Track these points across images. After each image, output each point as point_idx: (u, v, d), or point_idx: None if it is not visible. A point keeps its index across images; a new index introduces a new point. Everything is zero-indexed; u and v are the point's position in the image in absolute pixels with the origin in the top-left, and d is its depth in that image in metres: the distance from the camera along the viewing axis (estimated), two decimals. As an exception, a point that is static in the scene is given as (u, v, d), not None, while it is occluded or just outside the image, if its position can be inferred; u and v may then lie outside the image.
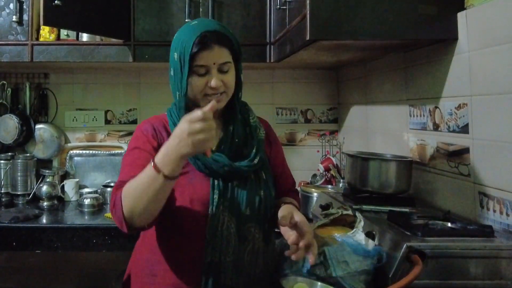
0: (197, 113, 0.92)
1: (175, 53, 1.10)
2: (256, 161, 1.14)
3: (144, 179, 0.97)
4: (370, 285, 1.06)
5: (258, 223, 1.13)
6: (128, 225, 1.01)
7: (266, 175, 1.18)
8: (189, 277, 1.10)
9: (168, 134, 1.14)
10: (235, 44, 1.13)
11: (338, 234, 1.16)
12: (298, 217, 1.07)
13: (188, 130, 0.91)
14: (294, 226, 1.06)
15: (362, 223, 1.19)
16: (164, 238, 1.15)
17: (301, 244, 1.03)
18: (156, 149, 1.06)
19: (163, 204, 1.01)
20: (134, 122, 2.52)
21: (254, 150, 1.15)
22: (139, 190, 0.98)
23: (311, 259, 1.03)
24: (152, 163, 0.96)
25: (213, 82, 1.08)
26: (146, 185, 0.96)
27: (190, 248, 1.11)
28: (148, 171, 0.97)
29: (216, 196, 1.09)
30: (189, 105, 1.12)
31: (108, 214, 2.00)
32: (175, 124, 1.12)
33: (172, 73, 1.13)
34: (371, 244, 1.11)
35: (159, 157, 0.96)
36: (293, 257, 1.03)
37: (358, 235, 1.14)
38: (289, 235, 1.05)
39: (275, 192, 1.20)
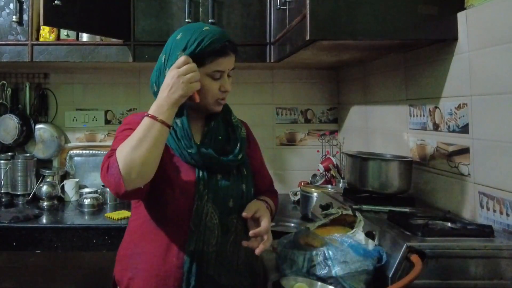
0: (180, 58, 1.06)
1: (193, 46, 1.12)
2: (240, 156, 1.20)
3: (140, 130, 1.02)
4: (370, 285, 1.06)
5: (240, 216, 1.16)
6: (125, 183, 1.00)
7: (247, 171, 1.23)
8: (173, 267, 1.13)
9: None
10: (237, 52, 1.22)
11: (338, 234, 1.16)
12: (261, 211, 1.15)
13: (178, 73, 1.03)
14: (256, 220, 1.14)
15: (362, 223, 1.19)
16: (148, 229, 1.18)
17: (251, 233, 1.11)
18: None
19: (159, 161, 1.05)
20: (134, 122, 2.52)
21: (238, 147, 1.21)
22: (136, 140, 1.01)
23: (258, 249, 1.09)
24: (146, 115, 1.03)
25: (228, 86, 1.17)
26: (143, 134, 1.02)
27: (175, 238, 1.14)
28: (144, 122, 1.03)
29: (201, 187, 1.13)
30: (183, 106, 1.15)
31: (109, 214, 2.00)
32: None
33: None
34: (371, 244, 1.11)
35: (153, 109, 1.04)
36: (256, 251, 1.10)
37: (358, 235, 1.14)
38: (252, 228, 1.14)
39: (254, 190, 1.25)
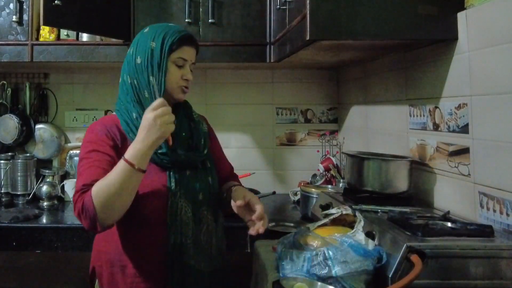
0: (156, 100, 1.09)
1: (153, 42, 1.22)
2: (205, 151, 1.31)
3: (117, 176, 1.06)
4: (370, 285, 1.06)
5: (209, 207, 1.28)
6: (101, 225, 1.09)
7: (211, 164, 1.33)
8: (155, 263, 1.21)
9: (120, 132, 1.24)
10: (198, 48, 1.31)
11: (338, 234, 1.16)
12: (249, 195, 1.22)
13: (155, 114, 1.06)
14: (247, 204, 1.20)
15: (362, 223, 1.19)
16: (127, 229, 1.23)
17: (254, 217, 1.17)
18: (112, 147, 1.21)
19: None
20: (134, 122, 2.52)
21: (202, 142, 1.31)
22: (114, 187, 1.06)
23: (260, 229, 1.15)
24: (124, 160, 1.07)
25: (190, 75, 1.26)
26: (121, 181, 1.06)
27: (154, 235, 1.21)
28: (121, 168, 1.07)
29: (173, 185, 1.21)
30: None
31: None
32: (126, 122, 1.23)
33: (139, 61, 1.23)
34: (371, 244, 1.11)
35: (130, 152, 1.07)
36: (252, 231, 1.16)
37: (358, 235, 1.14)
38: (244, 214, 1.21)
39: (217, 180, 1.35)
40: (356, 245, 1.08)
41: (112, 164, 1.14)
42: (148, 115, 1.07)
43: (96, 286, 1.35)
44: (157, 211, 1.20)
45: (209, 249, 1.26)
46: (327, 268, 1.05)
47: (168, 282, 1.20)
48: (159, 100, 1.09)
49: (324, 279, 1.05)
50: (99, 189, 1.07)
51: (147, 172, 1.15)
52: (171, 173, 1.22)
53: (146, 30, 1.28)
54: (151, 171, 1.19)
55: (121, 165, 1.07)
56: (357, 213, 1.24)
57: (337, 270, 1.04)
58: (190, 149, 1.28)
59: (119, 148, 1.22)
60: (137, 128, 1.14)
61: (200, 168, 1.29)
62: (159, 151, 1.20)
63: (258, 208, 1.18)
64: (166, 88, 1.22)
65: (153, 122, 1.06)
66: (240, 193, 1.23)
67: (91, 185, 1.10)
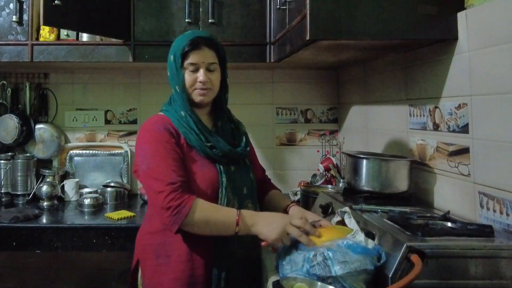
0: (297, 221, 1.18)
1: (171, 56, 1.36)
2: (248, 148, 1.44)
3: (221, 220, 1.21)
4: (370, 285, 1.06)
5: (251, 200, 1.38)
6: (178, 228, 1.20)
7: (249, 162, 1.45)
8: (201, 252, 1.28)
9: (174, 128, 1.33)
10: (221, 49, 1.39)
11: (338, 236, 1.16)
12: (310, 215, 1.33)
13: (286, 227, 1.17)
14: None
15: (352, 223, 1.20)
16: None
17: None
18: (174, 141, 1.29)
19: None
20: (134, 122, 2.52)
21: (244, 140, 1.44)
22: (211, 224, 1.21)
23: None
24: (237, 215, 1.21)
25: (201, 77, 1.33)
26: (220, 225, 1.21)
27: (209, 237, 1.27)
28: (229, 215, 1.22)
29: (224, 179, 1.31)
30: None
31: (109, 214, 2.00)
32: (177, 120, 1.34)
33: (169, 73, 1.38)
34: (370, 244, 1.12)
35: (246, 216, 1.21)
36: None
37: (358, 236, 1.14)
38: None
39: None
40: (354, 245, 1.08)
41: (180, 157, 1.27)
42: (285, 221, 1.19)
43: (138, 278, 1.41)
44: (209, 201, 1.26)
45: (247, 239, 1.30)
46: (326, 268, 1.05)
47: (213, 270, 1.28)
48: (298, 222, 1.18)
49: (324, 279, 1.05)
50: (202, 208, 1.20)
51: (201, 164, 1.31)
52: (221, 167, 1.32)
53: (174, 41, 1.40)
54: (204, 164, 1.31)
55: (231, 214, 1.21)
56: (346, 217, 1.25)
57: (336, 270, 1.04)
58: (233, 147, 1.38)
59: (178, 141, 1.31)
60: (187, 124, 1.32)
61: (241, 164, 1.39)
62: (207, 145, 1.31)
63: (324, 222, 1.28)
64: (187, 94, 1.35)
65: (279, 227, 1.17)
66: (297, 212, 1.37)
67: (181, 182, 1.21)
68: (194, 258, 1.29)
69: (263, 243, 1.23)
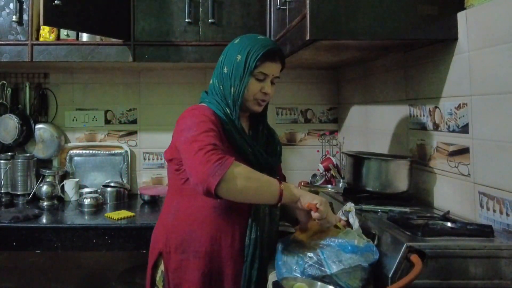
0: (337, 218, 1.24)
1: (239, 55, 1.31)
2: (281, 158, 1.46)
3: (264, 180, 1.18)
4: (367, 282, 1.07)
5: (278, 207, 1.31)
6: (215, 187, 1.11)
7: (277, 170, 1.45)
8: (231, 252, 1.29)
9: (220, 122, 1.29)
10: (285, 63, 1.39)
11: (329, 236, 1.17)
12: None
13: (323, 201, 1.18)
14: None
15: (355, 224, 1.21)
16: (205, 215, 1.30)
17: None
18: (217, 127, 1.25)
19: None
20: (134, 122, 2.52)
21: (278, 148, 1.45)
22: (254, 180, 1.16)
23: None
24: (279, 185, 1.18)
25: (268, 90, 1.33)
26: (262, 186, 1.17)
27: (235, 226, 1.29)
28: (272, 181, 1.19)
29: None
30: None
31: (109, 214, 2.00)
32: (225, 114, 1.30)
33: (226, 70, 1.33)
34: (362, 242, 1.13)
35: (289, 188, 1.20)
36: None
37: (350, 235, 1.15)
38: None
39: None
40: (344, 244, 1.09)
41: (222, 140, 1.24)
42: (323, 199, 1.20)
43: (158, 272, 1.37)
44: (242, 205, 1.26)
45: (273, 245, 1.32)
46: (321, 268, 1.05)
47: (245, 269, 1.28)
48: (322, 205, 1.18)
49: (321, 279, 1.05)
50: (243, 167, 1.16)
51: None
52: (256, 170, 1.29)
53: (236, 41, 1.37)
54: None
55: (275, 184, 1.18)
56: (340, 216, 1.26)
57: (331, 268, 1.04)
58: (267, 154, 1.38)
59: (220, 131, 1.28)
60: (232, 122, 1.30)
61: (269, 172, 1.35)
62: (249, 149, 1.31)
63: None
64: (243, 99, 1.32)
65: (319, 201, 1.17)
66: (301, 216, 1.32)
67: (220, 147, 1.17)
68: (223, 255, 1.29)
69: (306, 205, 1.19)
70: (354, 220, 1.21)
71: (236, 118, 1.31)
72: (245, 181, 1.14)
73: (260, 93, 1.33)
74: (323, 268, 1.05)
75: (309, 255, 1.09)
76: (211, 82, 1.40)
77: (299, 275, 1.07)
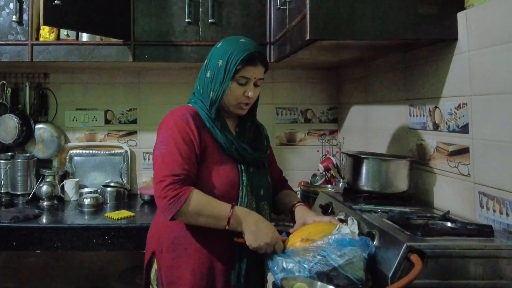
0: (280, 246, 1.23)
1: (220, 60, 1.32)
2: (268, 152, 1.47)
3: (214, 213, 1.24)
4: (367, 275, 1.07)
5: (267, 202, 1.42)
6: (173, 217, 1.22)
7: (267, 165, 1.47)
8: (220, 247, 1.31)
9: (202, 123, 1.33)
10: (267, 65, 1.39)
11: (324, 232, 1.18)
12: (308, 219, 1.35)
13: (271, 243, 1.22)
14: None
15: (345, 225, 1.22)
16: None
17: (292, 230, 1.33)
18: (193, 134, 1.29)
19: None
20: (134, 122, 2.52)
21: (265, 143, 1.47)
22: (205, 212, 1.24)
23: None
24: (231, 211, 1.23)
25: (251, 93, 1.34)
26: (212, 219, 1.24)
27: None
28: (222, 212, 1.23)
29: (245, 179, 1.33)
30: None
31: (109, 214, 2.00)
32: (210, 117, 1.34)
33: (208, 75, 1.35)
34: (356, 236, 1.15)
35: (238, 214, 1.24)
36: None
37: (343, 230, 1.16)
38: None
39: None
40: (341, 239, 1.10)
41: (195, 151, 1.28)
42: (274, 236, 1.24)
43: (152, 271, 1.41)
44: (229, 200, 1.29)
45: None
46: (328, 262, 1.06)
47: (234, 263, 1.31)
48: (280, 247, 1.23)
49: (328, 273, 1.05)
50: (197, 201, 1.22)
51: (224, 162, 1.32)
52: (242, 167, 1.34)
53: (219, 45, 1.38)
54: (225, 162, 1.33)
55: (225, 208, 1.24)
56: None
57: (337, 260, 1.05)
58: (254, 150, 1.40)
59: (201, 134, 1.32)
60: (214, 124, 1.33)
61: (260, 167, 1.41)
62: (234, 146, 1.33)
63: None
64: (224, 104, 1.35)
65: (264, 239, 1.22)
66: (300, 216, 1.39)
67: (185, 176, 1.23)
68: (213, 251, 1.31)
69: (237, 239, 1.26)
70: (352, 224, 1.23)
71: (215, 119, 1.34)
72: (195, 217, 1.23)
73: (243, 96, 1.34)
74: (329, 263, 1.06)
75: (312, 256, 1.09)
76: (195, 84, 1.43)
77: (306, 275, 1.06)
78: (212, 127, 1.33)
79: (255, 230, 1.23)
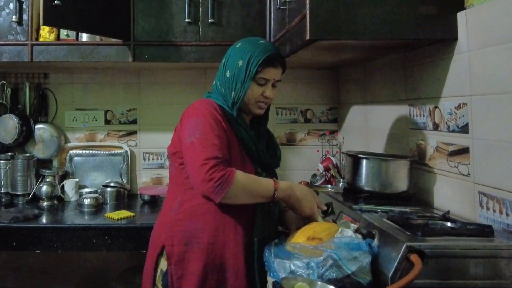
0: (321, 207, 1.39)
1: (240, 60, 1.35)
2: (280, 159, 1.51)
3: (260, 188, 1.28)
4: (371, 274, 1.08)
5: (277, 207, 1.43)
6: (221, 198, 1.23)
7: (274, 171, 1.50)
8: (233, 243, 1.32)
9: (226, 117, 1.36)
10: (285, 66, 1.44)
11: (328, 233, 1.18)
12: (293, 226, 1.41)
13: (315, 203, 1.34)
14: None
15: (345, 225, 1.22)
16: (209, 209, 1.33)
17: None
18: (224, 127, 1.32)
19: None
20: (134, 122, 2.52)
21: (278, 152, 1.50)
22: (252, 194, 1.27)
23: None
24: (274, 182, 1.29)
25: (269, 93, 1.39)
26: (258, 192, 1.28)
27: (238, 218, 1.33)
28: (267, 186, 1.29)
29: None
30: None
31: (109, 214, 2.00)
32: (232, 115, 1.35)
33: (228, 74, 1.38)
34: (359, 238, 1.15)
35: (283, 186, 1.30)
36: None
37: (346, 232, 1.16)
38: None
39: None
40: (349, 242, 1.10)
41: (227, 139, 1.31)
42: (315, 200, 1.35)
43: (158, 271, 1.39)
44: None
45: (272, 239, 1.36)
46: (340, 269, 1.05)
47: (246, 259, 1.32)
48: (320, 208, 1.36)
49: (341, 280, 1.04)
50: (243, 180, 1.24)
51: (244, 161, 1.36)
52: (258, 169, 1.38)
53: (238, 45, 1.41)
54: (246, 161, 1.36)
55: (268, 183, 1.29)
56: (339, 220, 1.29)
57: (350, 267, 1.04)
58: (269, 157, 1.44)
59: (226, 124, 1.34)
60: (236, 121, 1.35)
61: (270, 173, 1.44)
62: (255, 147, 1.37)
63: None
64: (244, 103, 1.37)
65: (309, 200, 1.32)
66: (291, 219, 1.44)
67: (224, 159, 1.25)
68: (225, 246, 1.31)
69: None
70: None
71: (237, 117, 1.36)
72: (242, 196, 1.26)
73: (261, 96, 1.38)
74: (342, 269, 1.05)
75: (323, 258, 1.07)
76: (214, 83, 1.44)
77: (316, 278, 1.05)
78: (236, 123, 1.35)
79: (304, 197, 1.31)
